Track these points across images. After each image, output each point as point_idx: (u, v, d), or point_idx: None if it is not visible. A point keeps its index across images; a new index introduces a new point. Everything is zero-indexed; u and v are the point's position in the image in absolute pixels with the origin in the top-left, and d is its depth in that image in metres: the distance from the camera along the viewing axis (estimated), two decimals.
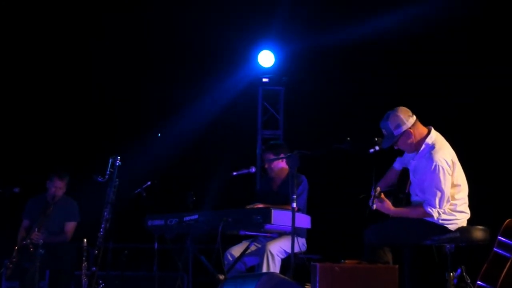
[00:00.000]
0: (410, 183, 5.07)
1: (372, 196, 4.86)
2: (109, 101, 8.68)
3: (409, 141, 4.97)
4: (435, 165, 4.82)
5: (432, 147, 4.93)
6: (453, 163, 4.92)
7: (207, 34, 8.57)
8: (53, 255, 6.62)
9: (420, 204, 4.90)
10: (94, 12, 8.42)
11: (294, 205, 5.03)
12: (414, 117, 5.00)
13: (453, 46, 7.77)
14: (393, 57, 8.10)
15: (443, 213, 4.86)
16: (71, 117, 8.64)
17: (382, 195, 4.89)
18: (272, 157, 6.11)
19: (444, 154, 4.90)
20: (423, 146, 4.96)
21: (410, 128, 4.94)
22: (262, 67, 8.67)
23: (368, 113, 8.02)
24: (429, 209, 4.83)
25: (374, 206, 4.86)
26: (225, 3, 8.38)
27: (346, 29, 8.10)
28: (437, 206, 4.83)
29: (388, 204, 4.90)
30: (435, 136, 5.00)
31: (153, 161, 8.43)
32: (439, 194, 4.81)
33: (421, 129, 5.01)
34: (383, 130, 5.02)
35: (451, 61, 7.69)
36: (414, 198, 5.05)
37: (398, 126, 4.94)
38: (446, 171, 4.83)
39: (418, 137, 4.98)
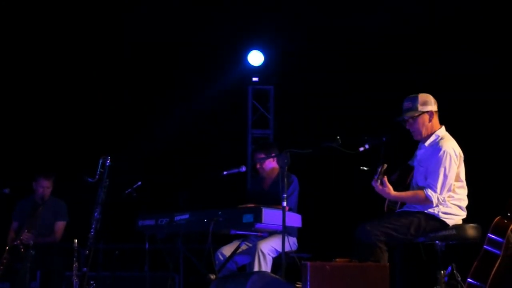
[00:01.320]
0: (411, 177, 5.09)
1: (380, 170, 4.89)
2: (99, 101, 8.66)
3: (426, 123, 5.02)
4: (444, 151, 4.89)
5: (441, 138, 5.01)
6: (460, 156, 4.98)
7: (196, 33, 8.57)
8: (44, 256, 6.61)
9: (421, 189, 4.93)
10: (86, 11, 8.40)
11: (285, 204, 5.04)
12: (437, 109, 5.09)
13: (447, 44, 7.81)
14: (384, 56, 8.12)
15: (442, 201, 4.87)
16: (60, 118, 8.61)
17: (385, 178, 4.92)
18: (263, 156, 6.12)
19: (453, 144, 4.98)
20: (433, 136, 5.03)
21: (434, 111, 5.03)
22: (252, 66, 8.68)
23: (358, 112, 8.07)
24: (430, 193, 4.85)
25: (378, 182, 4.90)
26: (214, 3, 8.37)
27: (336, 28, 8.12)
28: (438, 191, 4.85)
29: (389, 188, 4.93)
30: (444, 132, 5.09)
31: (143, 161, 8.43)
32: (442, 179, 4.85)
33: (437, 122, 5.10)
34: (407, 104, 5.04)
35: (446, 62, 7.72)
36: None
37: (426, 103, 5.02)
38: (453, 159, 4.89)
39: (434, 126, 5.06)
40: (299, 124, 8.56)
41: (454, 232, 4.93)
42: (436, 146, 4.95)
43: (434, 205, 4.89)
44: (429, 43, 7.95)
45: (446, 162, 4.87)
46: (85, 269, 5.96)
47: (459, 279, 5.02)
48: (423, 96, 5.04)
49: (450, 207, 4.94)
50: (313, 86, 8.49)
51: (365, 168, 5.08)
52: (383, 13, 7.81)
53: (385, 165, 4.92)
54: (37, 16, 8.31)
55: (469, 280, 5.11)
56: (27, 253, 6.35)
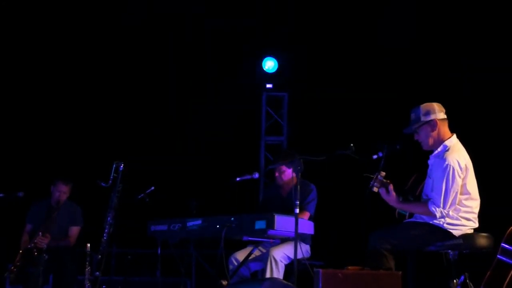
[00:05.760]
0: (423, 187, 5.08)
1: (374, 177, 4.89)
2: (113, 106, 8.70)
3: (431, 133, 4.99)
4: (447, 165, 4.84)
5: (448, 149, 4.96)
6: (466, 168, 4.92)
7: (211, 39, 8.60)
8: (57, 260, 6.62)
9: (425, 202, 4.92)
10: (97, 14, 8.45)
11: (297, 210, 5.04)
12: (446, 116, 5.04)
13: (455, 51, 7.79)
14: (397, 64, 8.11)
15: (446, 215, 4.85)
16: (75, 122, 8.66)
17: (391, 187, 4.93)
18: (283, 167, 6.10)
19: (459, 156, 4.92)
20: (441, 147, 4.99)
21: (438, 119, 4.98)
22: (266, 72, 8.69)
23: (372, 119, 8.06)
24: (433, 208, 4.84)
25: (375, 189, 4.91)
26: (229, 9, 8.40)
27: (350, 35, 8.12)
28: (441, 205, 4.83)
29: (394, 197, 4.95)
30: (455, 141, 5.03)
31: (156, 166, 8.45)
32: (444, 193, 4.82)
33: (446, 130, 5.05)
34: (412, 115, 5.05)
35: (455, 67, 7.70)
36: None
37: (428, 113, 4.99)
38: (456, 173, 4.84)
39: (440, 135, 5.01)
40: (313, 131, 8.55)
41: (461, 241, 4.90)
42: (441, 158, 4.91)
43: (438, 218, 4.87)
44: (444, 51, 7.93)
45: (449, 176, 4.82)
46: (97, 273, 5.99)
47: None
48: (425, 106, 5.02)
49: (456, 219, 4.91)
50: (327, 93, 8.48)
51: (368, 174, 5.06)
52: (396, 22, 7.82)
53: (383, 173, 4.92)
54: (56, 21, 8.38)
55: None
56: (40, 256, 6.37)
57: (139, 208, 6.43)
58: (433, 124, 4.99)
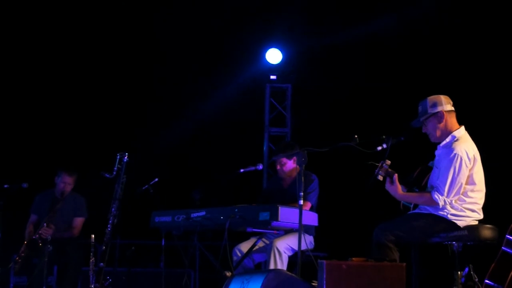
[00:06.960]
0: (428, 178, 5.07)
1: (380, 165, 4.90)
2: (117, 97, 8.70)
3: (438, 125, 5.01)
4: (454, 154, 4.85)
5: (456, 139, 4.97)
6: (474, 158, 4.93)
7: (215, 31, 8.58)
8: (61, 251, 6.64)
9: (429, 191, 4.92)
10: (101, 8, 8.44)
11: (301, 202, 5.03)
12: (453, 108, 5.06)
13: (458, 45, 7.77)
14: (402, 55, 8.09)
15: (449, 203, 4.85)
16: (79, 113, 8.67)
17: (396, 176, 4.93)
18: (284, 159, 6.10)
19: (467, 147, 4.92)
20: (449, 137, 4.99)
21: (445, 111, 4.98)
22: (270, 64, 8.68)
23: (376, 110, 8.05)
24: (436, 196, 4.85)
25: (380, 177, 4.92)
26: (233, 1, 8.38)
27: (354, 27, 8.10)
28: (445, 194, 4.83)
29: (398, 187, 4.96)
30: (463, 133, 5.04)
31: (160, 157, 8.46)
32: (449, 182, 4.83)
33: (454, 122, 5.06)
34: (419, 108, 5.08)
35: (459, 61, 7.68)
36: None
37: (435, 105, 5.01)
38: (464, 162, 4.84)
39: (448, 127, 5.02)
40: (316, 123, 8.54)
41: (466, 232, 4.90)
42: (449, 148, 4.92)
43: (441, 207, 4.86)
44: (449, 42, 7.91)
45: (456, 164, 4.83)
46: (101, 264, 6.00)
47: (476, 280, 4.98)
48: (432, 98, 5.04)
49: (461, 210, 4.91)
50: (330, 85, 8.47)
51: (372, 162, 5.07)
52: (399, 13, 7.80)
53: (389, 162, 4.93)
54: (59, 14, 8.38)
55: (486, 281, 5.06)
56: (45, 247, 6.38)
57: (143, 200, 6.44)
58: (440, 116, 4.99)
